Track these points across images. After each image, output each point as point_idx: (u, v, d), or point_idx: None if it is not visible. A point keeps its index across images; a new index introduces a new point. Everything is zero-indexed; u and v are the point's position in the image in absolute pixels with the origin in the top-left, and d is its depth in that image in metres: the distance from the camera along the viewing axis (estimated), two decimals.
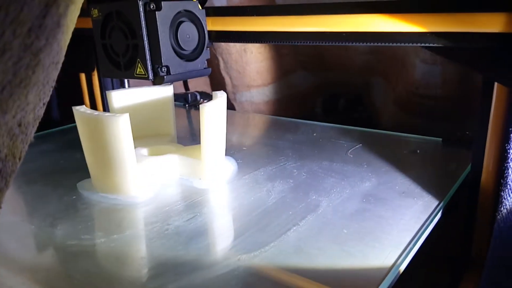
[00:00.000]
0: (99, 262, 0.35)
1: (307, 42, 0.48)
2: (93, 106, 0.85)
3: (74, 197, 0.46)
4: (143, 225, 0.40)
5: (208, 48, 0.54)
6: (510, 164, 0.40)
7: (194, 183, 0.48)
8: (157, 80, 0.49)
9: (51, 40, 0.21)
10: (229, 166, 0.53)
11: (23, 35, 0.19)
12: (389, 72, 0.85)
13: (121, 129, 0.42)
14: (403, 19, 0.41)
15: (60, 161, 0.57)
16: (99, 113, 0.43)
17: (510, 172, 0.40)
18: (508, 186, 0.40)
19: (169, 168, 0.49)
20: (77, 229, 0.39)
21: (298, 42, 0.49)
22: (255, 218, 0.40)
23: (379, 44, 0.43)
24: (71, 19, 0.22)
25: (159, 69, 0.48)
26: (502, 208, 0.40)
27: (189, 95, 0.89)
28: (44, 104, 0.23)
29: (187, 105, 0.87)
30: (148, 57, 0.48)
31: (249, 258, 0.34)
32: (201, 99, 0.90)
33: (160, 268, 0.33)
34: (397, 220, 0.39)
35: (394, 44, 0.42)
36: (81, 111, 0.44)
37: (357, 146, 0.58)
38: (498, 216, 0.40)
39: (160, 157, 0.49)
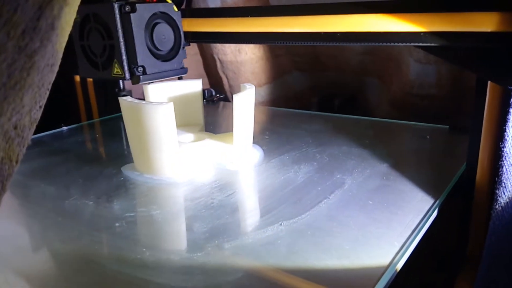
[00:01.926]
0: (160, 228, 0.40)
1: (296, 43, 0.49)
2: (88, 107, 0.87)
3: (121, 178, 0.51)
4: (189, 200, 0.45)
5: (184, 48, 0.56)
6: (504, 162, 0.40)
7: (227, 166, 0.53)
8: (134, 80, 0.52)
9: (45, 42, 0.20)
10: (256, 152, 0.58)
11: (17, 37, 0.19)
12: (384, 72, 0.88)
13: (166, 116, 0.47)
14: (397, 19, 0.42)
15: (99, 150, 0.62)
16: (145, 102, 0.48)
17: (504, 170, 0.40)
18: (503, 184, 0.40)
19: (205, 152, 0.54)
20: (132, 204, 0.44)
21: (281, 43, 0.51)
22: (288, 194, 0.45)
23: (373, 44, 0.44)
24: (67, 21, 0.22)
25: (135, 69, 0.51)
26: (497, 206, 0.40)
27: (205, 91, 0.94)
28: (40, 107, 0.22)
29: (204, 101, 0.92)
30: (124, 57, 0.50)
31: (289, 224, 0.39)
32: (217, 95, 0.95)
33: (214, 232, 0.38)
34: (416, 193, 0.44)
35: (388, 44, 0.44)
36: (128, 101, 0.49)
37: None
38: (493, 214, 0.41)
39: (198, 143, 0.53)
